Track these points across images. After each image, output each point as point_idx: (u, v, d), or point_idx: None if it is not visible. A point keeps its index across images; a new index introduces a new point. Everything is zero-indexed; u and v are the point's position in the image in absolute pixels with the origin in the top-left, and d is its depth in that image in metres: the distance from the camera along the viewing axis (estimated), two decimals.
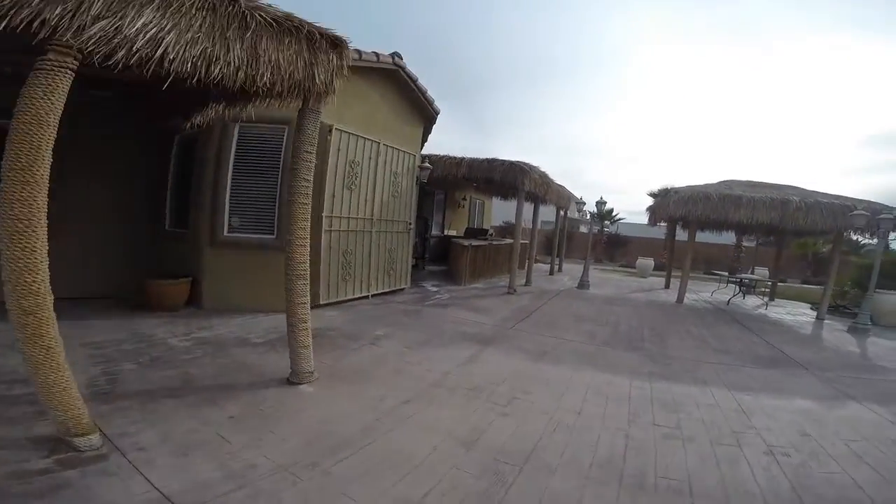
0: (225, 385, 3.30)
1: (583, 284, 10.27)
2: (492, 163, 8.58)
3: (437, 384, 3.58)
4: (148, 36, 2.18)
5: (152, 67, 2.30)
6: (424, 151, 9.14)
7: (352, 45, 5.82)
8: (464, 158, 8.94)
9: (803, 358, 5.39)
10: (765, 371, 4.77)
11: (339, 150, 5.84)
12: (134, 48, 2.15)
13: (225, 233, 5.45)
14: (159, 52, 2.24)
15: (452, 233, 13.71)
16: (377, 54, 6.22)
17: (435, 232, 13.14)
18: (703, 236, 11.86)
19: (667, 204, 8.69)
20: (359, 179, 6.24)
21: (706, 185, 9.02)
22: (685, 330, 6.48)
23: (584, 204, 11.69)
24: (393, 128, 7.03)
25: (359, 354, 4.18)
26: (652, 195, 22.26)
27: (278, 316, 5.14)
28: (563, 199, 11.27)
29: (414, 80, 7.13)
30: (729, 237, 15.65)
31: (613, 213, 22.81)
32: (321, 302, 5.79)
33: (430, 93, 7.69)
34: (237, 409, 2.91)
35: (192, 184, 5.79)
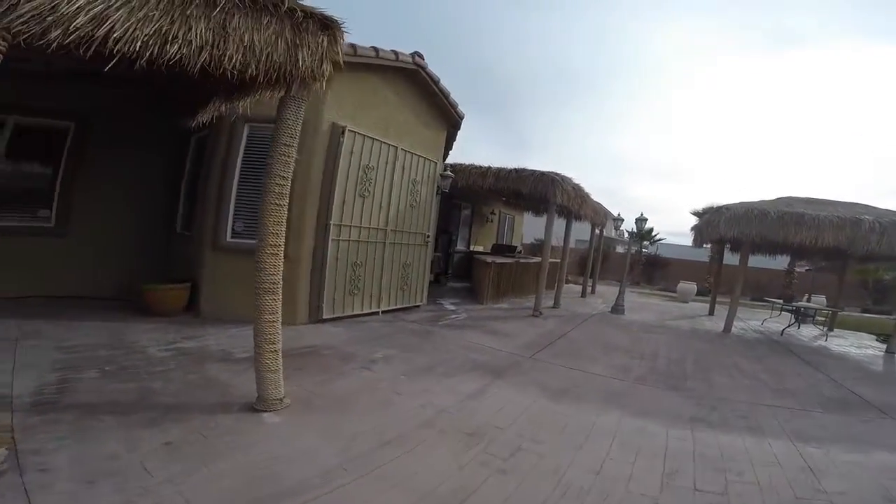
0: (181, 404, 2.92)
1: (617, 309, 9.43)
2: (520, 173, 8.02)
3: (428, 423, 3.02)
4: (91, 14, 1.91)
5: (94, 47, 2.02)
6: (450, 160, 8.73)
7: (369, 44, 5.65)
8: (490, 168, 8.42)
9: (880, 400, 4.49)
10: (834, 417, 3.95)
11: (351, 153, 5.47)
12: (72, 27, 1.87)
13: (227, 238, 5.19)
14: (103, 30, 1.96)
15: (479, 248, 13.15)
16: (396, 53, 5.87)
17: (461, 247, 12.64)
18: (751, 260, 10.78)
19: (717, 222, 7.80)
20: (373, 186, 5.84)
21: (761, 202, 8.08)
22: (734, 364, 5.62)
23: (622, 221, 10.90)
24: (413, 132, 6.64)
25: (348, 380, 3.69)
26: (696, 214, 20.97)
27: None
28: (598, 215, 10.52)
29: (436, 82, 6.74)
30: (778, 262, 14.30)
31: (653, 233, 21.60)
32: (324, 316, 5.37)
33: (455, 97, 7.31)
34: (180, 434, 2.51)
35: (198, 185, 5.61)
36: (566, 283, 14.28)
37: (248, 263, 5.01)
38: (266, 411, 2.92)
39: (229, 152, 5.18)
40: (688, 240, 9.31)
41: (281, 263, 2.84)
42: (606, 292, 13.92)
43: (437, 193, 7.22)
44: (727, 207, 7.94)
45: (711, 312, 10.79)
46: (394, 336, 5.24)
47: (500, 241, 14.50)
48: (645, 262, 20.85)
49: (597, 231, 12.54)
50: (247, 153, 5.19)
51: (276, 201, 2.75)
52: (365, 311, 5.98)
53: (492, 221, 14.10)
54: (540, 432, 3.04)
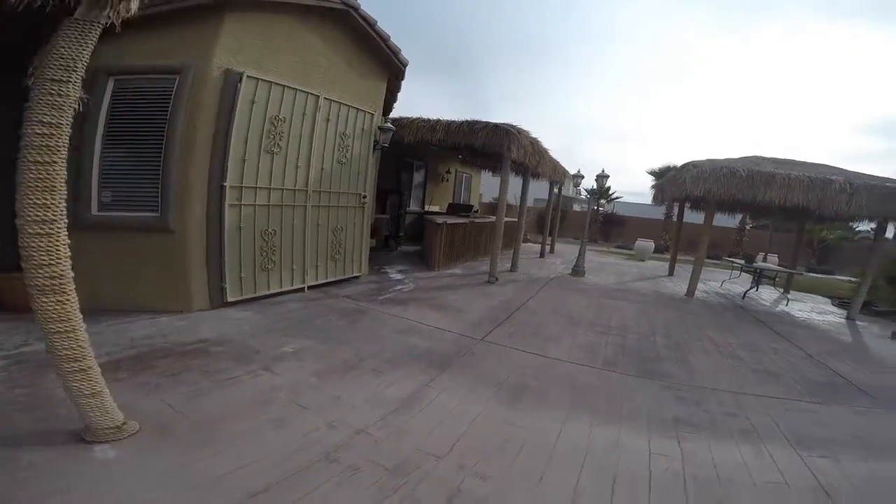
0: None
1: (577, 271, 8.87)
2: (472, 125, 7.00)
3: (332, 454, 2.16)
4: None
5: None
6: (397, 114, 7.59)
7: None
8: (439, 121, 7.35)
9: (865, 382, 4.08)
10: (827, 408, 3.44)
11: (252, 102, 4.32)
12: None
13: (94, 211, 4.02)
14: None
15: (435, 209, 12.21)
16: None
17: (414, 208, 11.65)
18: (700, 218, 10.49)
19: (682, 179, 7.19)
20: (285, 140, 4.70)
21: (728, 160, 7.51)
22: (707, 337, 5.10)
23: (583, 178, 10.22)
24: (343, 80, 5.46)
25: (234, 389, 2.75)
26: (652, 173, 20.81)
27: (161, 319, 3.84)
28: (557, 172, 9.77)
29: (371, 24, 5.51)
30: (729, 219, 14.21)
31: (610, 192, 21.35)
32: (228, 299, 4.35)
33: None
34: None
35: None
36: (524, 242, 13.69)
37: (122, 241, 4.02)
38: (99, 443, 2.05)
39: (88, 110, 3.95)
40: (641, 198, 8.85)
41: (63, 246, 1.80)
42: (565, 251, 13.48)
43: (374, 148, 6.13)
44: (694, 164, 7.33)
45: (671, 272, 10.50)
46: (316, 319, 4.29)
47: (458, 201, 13.60)
48: (602, 220, 20.66)
49: (555, 190, 11.88)
50: (114, 111, 4.05)
51: (38, 158, 1.69)
52: (286, 289, 4.97)
53: (447, 181, 13.10)
54: (488, 459, 2.26)
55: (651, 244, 14.29)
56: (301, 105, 4.83)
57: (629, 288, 8.13)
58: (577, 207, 26.92)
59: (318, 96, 5.00)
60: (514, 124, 6.91)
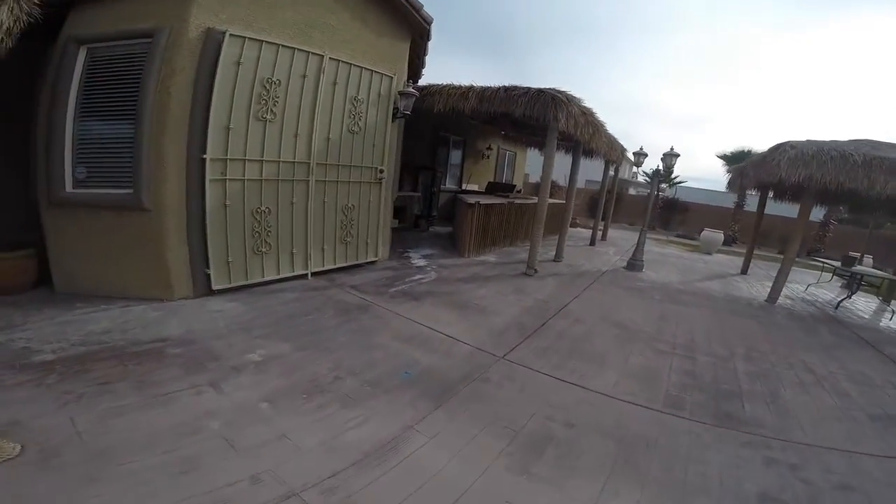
0: None
1: (634, 264, 7.70)
2: (510, 91, 5.96)
3: None
4: None
5: None
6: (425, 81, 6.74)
7: None
8: (472, 87, 6.36)
9: None
10: None
11: (238, 64, 3.67)
12: None
13: (67, 188, 3.59)
14: None
15: (473, 188, 11.31)
16: None
17: (451, 186, 10.82)
18: (773, 208, 9.03)
19: (775, 162, 5.80)
20: (280, 106, 4.00)
21: (835, 143, 6.02)
22: (802, 362, 3.96)
23: (646, 156, 8.92)
24: (355, 38, 4.68)
25: (163, 409, 2.11)
26: (723, 157, 18.55)
27: (136, 308, 3.35)
28: (614, 150, 8.52)
29: None
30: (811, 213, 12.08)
31: (673, 175, 19.37)
32: (214, 287, 3.79)
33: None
34: None
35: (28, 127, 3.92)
36: (573, 226, 12.51)
37: (98, 220, 3.74)
38: None
39: (57, 82, 3.54)
40: (705, 184, 7.46)
41: None
42: (619, 238, 12.20)
43: (395, 117, 5.32)
44: (791, 145, 5.89)
45: (745, 270, 9.01)
46: (305, 316, 3.61)
47: (500, 180, 12.59)
48: (662, 206, 18.77)
49: (611, 171, 10.58)
50: (88, 81, 3.58)
51: None
52: (285, 276, 4.36)
53: (487, 157, 12.11)
54: None
55: (720, 235, 12.59)
56: (300, 66, 4.11)
57: (696, 289, 6.89)
58: (632, 191, 24.89)
59: (323, 56, 4.26)
60: (563, 90, 5.83)
